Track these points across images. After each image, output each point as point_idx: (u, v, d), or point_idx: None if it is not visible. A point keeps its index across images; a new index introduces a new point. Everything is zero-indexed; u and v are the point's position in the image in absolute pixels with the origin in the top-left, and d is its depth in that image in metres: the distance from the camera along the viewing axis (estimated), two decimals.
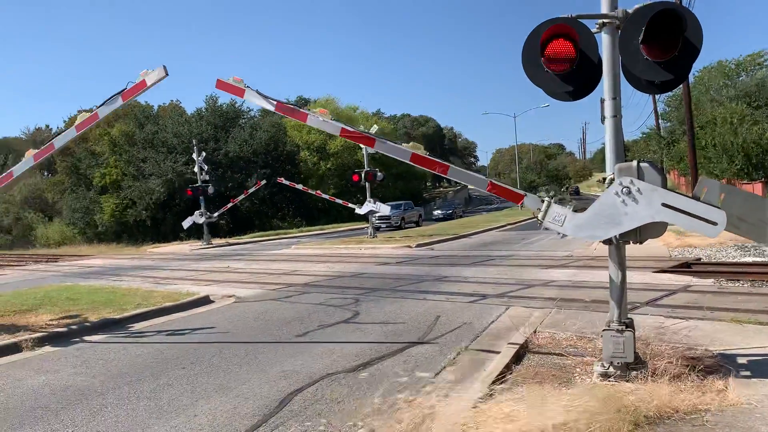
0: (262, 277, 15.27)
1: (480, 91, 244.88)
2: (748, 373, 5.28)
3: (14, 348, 8.03)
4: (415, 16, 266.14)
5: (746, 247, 15.31)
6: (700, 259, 13.97)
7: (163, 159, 46.51)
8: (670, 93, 39.39)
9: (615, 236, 4.97)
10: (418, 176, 66.89)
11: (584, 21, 5.16)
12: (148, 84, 7.69)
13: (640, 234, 4.97)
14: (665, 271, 12.07)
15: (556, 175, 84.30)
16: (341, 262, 18.51)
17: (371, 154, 27.57)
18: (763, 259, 13.22)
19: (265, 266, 18.54)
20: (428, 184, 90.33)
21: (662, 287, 10.19)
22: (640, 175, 4.83)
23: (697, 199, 4.72)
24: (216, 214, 33.03)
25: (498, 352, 6.44)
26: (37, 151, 8.68)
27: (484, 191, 5.80)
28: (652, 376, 4.99)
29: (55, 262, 27.74)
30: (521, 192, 5.51)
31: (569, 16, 5.07)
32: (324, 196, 33.80)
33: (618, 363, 5.12)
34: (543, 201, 5.23)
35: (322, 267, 17.12)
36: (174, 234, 41.95)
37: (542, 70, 5.16)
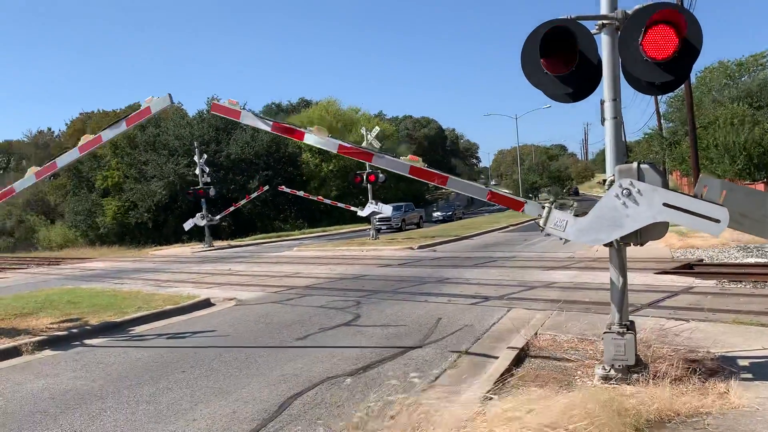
0: (264, 280, 15.26)
1: (482, 92, 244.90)
2: (750, 375, 5.24)
3: (14, 352, 8.04)
4: (416, 18, 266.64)
5: (748, 247, 15.27)
6: (702, 260, 13.93)
7: (165, 161, 46.54)
8: (672, 93, 39.32)
9: (616, 239, 4.94)
10: None
11: (584, 22, 5.14)
12: (153, 111, 7.84)
13: (640, 236, 4.93)
14: (667, 273, 12.03)
15: (558, 176, 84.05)
16: (343, 264, 18.50)
17: None
18: (765, 260, 13.17)
19: (267, 269, 18.54)
20: (431, 185, 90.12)
21: (664, 289, 10.15)
22: (641, 177, 4.80)
23: (699, 197, 4.69)
24: (218, 217, 33.02)
25: (498, 356, 6.42)
26: (39, 168, 8.78)
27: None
28: (653, 379, 4.95)
29: (57, 265, 27.81)
30: (521, 199, 5.48)
31: (569, 17, 5.05)
32: (326, 201, 33.74)
33: (619, 366, 5.09)
34: (544, 207, 5.20)
35: (323, 269, 17.11)
36: (176, 236, 41.92)
37: (542, 71, 5.15)
